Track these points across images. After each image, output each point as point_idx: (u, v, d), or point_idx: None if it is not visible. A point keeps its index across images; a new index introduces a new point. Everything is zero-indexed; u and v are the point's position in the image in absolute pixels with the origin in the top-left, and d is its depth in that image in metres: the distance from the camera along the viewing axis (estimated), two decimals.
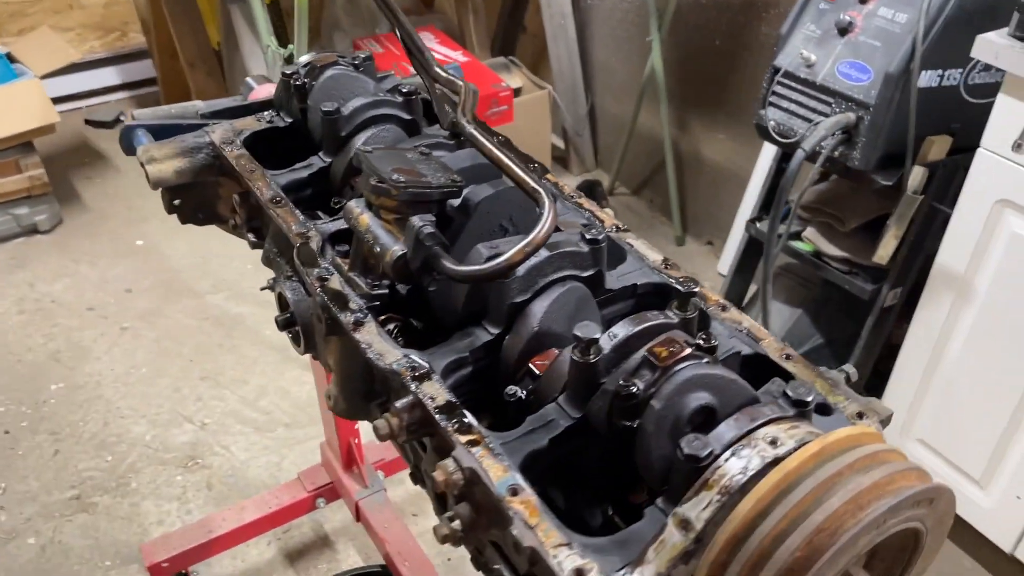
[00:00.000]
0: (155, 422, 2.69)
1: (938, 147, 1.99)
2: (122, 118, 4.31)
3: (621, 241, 1.17)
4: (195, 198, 1.46)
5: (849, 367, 0.97)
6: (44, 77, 3.44)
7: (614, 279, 1.10)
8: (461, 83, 1.17)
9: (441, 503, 1.03)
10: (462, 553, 2.33)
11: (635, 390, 0.82)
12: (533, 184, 1.00)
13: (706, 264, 3.46)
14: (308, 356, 2.89)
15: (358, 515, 2.13)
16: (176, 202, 1.45)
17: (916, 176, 1.96)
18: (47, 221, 3.54)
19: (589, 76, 3.91)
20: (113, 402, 2.76)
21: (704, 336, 0.86)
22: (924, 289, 2.09)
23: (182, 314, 3.14)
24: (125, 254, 3.46)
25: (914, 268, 2.19)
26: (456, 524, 0.90)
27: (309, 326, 1.20)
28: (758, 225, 2.44)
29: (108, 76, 4.45)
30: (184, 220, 1.49)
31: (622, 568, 0.76)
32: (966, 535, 2.20)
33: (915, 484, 0.72)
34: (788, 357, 0.98)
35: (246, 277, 3.33)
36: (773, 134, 2.08)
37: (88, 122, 4.31)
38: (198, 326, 3.09)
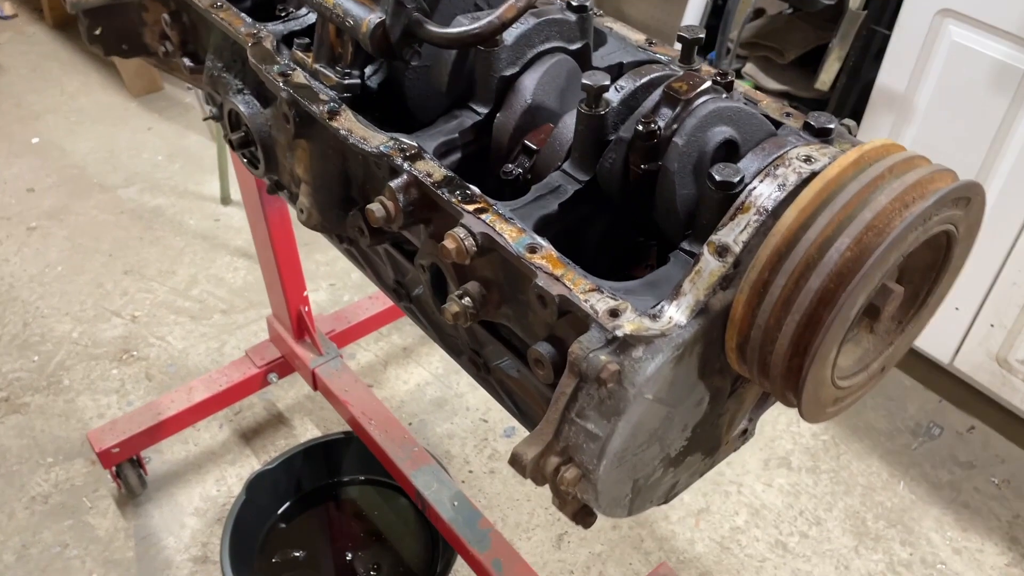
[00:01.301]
0: (80, 319, 2.54)
1: None
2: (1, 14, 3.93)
3: (600, 24, 1.11)
4: (118, 25, 1.32)
5: (849, 120, 0.94)
6: None
7: (599, 59, 1.05)
8: None
9: (440, 293, 0.98)
10: (423, 417, 2.32)
11: (656, 128, 0.78)
12: None
13: None
14: (239, 241, 2.76)
15: (315, 384, 2.07)
16: (97, 31, 1.31)
17: None
18: None
19: None
20: (30, 302, 2.58)
21: (720, 73, 0.82)
22: (864, 114, 2.11)
23: (95, 210, 2.94)
24: (20, 153, 3.20)
25: (852, 96, 2.21)
26: (466, 301, 0.86)
27: (268, 140, 1.11)
28: None
29: None
30: (107, 52, 1.34)
31: (657, 304, 0.73)
32: (905, 355, 2.30)
33: (952, 182, 0.70)
34: (789, 115, 0.95)
35: (159, 168, 3.13)
36: None
37: None
38: (114, 221, 2.90)
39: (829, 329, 0.67)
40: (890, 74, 2.00)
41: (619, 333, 0.70)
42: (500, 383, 1.05)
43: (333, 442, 2.06)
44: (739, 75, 2.33)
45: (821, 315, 0.68)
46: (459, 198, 0.84)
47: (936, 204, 0.67)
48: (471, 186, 0.86)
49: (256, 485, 1.94)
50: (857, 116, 2.16)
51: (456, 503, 1.77)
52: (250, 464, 2.18)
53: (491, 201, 0.84)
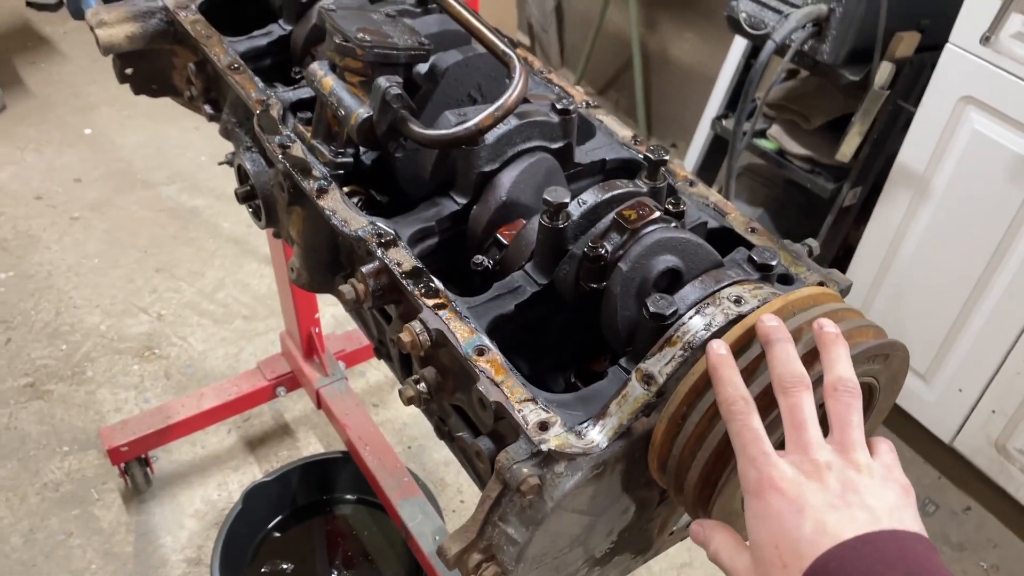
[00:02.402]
0: (109, 312, 2.65)
1: (906, 43, 1.98)
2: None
3: (591, 117, 1.15)
4: (149, 67, 1.40)
5: (812, 241, 0.98)
6: None
7: (583, 154, 1.09)
8: None
9: (406, 369, 1.04)
10: (423, 441, 2.38)
11: (603, 252, 0.82)
12: (504, 48, 0.97)
13: None
14: (268, 248, 2.83)
15: (319, 402, 2.14)
16: (128, 71, 1.39)
17: (883, 72, 1.96)
18: None
19: None
20: (65, 292, 2.71)
21: (673, 201, 0.86)
22: (884, 188, 2.11)
23: (135, 205, 3.07)
24: (73, 143, 3.34)
25: (875, 168, 2.21)
26: (422, 386, 0.91)
27: (270, 198, 1.18)
28: (724, 123, 2.43)
29: None
30: (137, 91, 1.42)
31: (585, 421, 0.77)
32: (908, 428, 2.30)
33: (871, 340, 0.73)
34: (753, 230, 0.98)
35: (202, 169, 3.24)
36: (744, 26, 2.04)
37: (30, 4, 4.09)
38: (152, 218, 3.02)
39: (735, 468, 0.71)
40: (911, 153, 2.01)
41: (544, 447, 0.75)
42: (462, 451, 1.10)
43: (331, 460, 2.13)
44: (764, 135, 2.35)
45: (729, 455, 0.72)
46: (422, 291, 0.90)
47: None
48: (435, 280, 0.91)
49: (253, 496, 2.01)
50: (877, 188, 2.17)
51: (438, 537, 1.82)
52: (252, 472, 2.27)
53: (451, 297, 0.89)
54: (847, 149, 2.09)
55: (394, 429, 2.40)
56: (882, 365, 0.75)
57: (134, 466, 2.12)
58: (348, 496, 2.17)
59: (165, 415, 2.12)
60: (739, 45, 2.71)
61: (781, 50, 1.99)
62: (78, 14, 1.32)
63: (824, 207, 2.33)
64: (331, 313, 2.67)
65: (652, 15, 3.43)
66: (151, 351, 2.55)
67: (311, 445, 2.35)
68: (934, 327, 2.09)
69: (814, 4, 1.93)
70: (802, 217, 2.51)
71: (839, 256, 2.42)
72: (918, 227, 2.07)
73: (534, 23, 3.86)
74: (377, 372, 2.56)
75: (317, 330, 2.12)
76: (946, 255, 2.02)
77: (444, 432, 1.11)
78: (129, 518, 2.13)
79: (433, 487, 2.21)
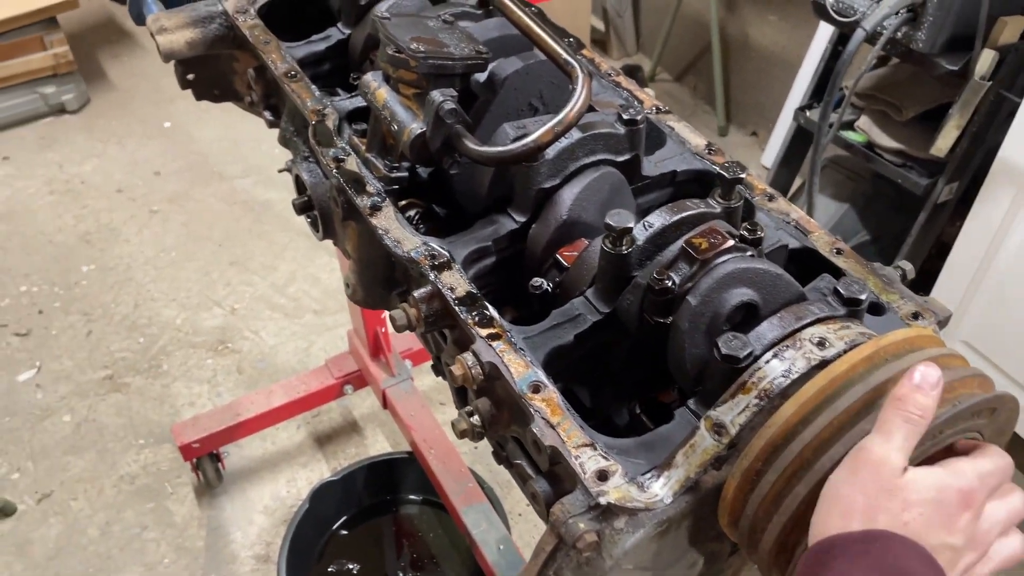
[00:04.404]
0: (185, 306, 2.69)
1: (1011, 29, 1.82)
2: None
3: (661, 124, 1.08)
4: (210, 72, 1.38)
5: (905, 263, 0.89)
6: None
7: (652, 165, 1.02)
8: None
9: (461, 396, 0.99)
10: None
11: (670, 284, 0.75)
12: (566, 56, 0.91)
13: (749, 156, 3.32)
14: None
15: (385, 402, 2.13)
16: (190, 76, 1.37)
17: (985, 60, 1.81)
18: (75, 100, 3.47)
19: None
20: (144, 285, 2.76)
21: (749, 227, 0.78)
22: (983, 184, 1.96)
23: (211, 198, 3.11)
24: (153, 135, 3.40)
25: (974, 162, 2.06)
26: (475, 419, 0.87)
27: (327, 210, 1.14)
28: (808, 113, 2.30)
29: None
30: (199, 96, 1.41)
31: (648, 471, 0.71)
32: (1013, 446, 2.14)
33: (976, 392, 0.65)
34: (839, 252, 0.90)
35: (276, 162, 3.25)
36: (831, 12, 1.91)
37: None
38: (227, 211, 3.05)
39: None
40: (1015, 146, 1.85)
41: (602, 501, 0.69)
42: (520, 478, 1.05)
43: (397, 460, 2.11)
44: (851, 127, 2.21)
45: (810, 519, 0.64)
46: (475, 319, 0.84)
47: (948, 420, 0.62)
48: (489, 307, 0.85)
49: (320, 495, 2.01)
50: (975, 186, 2.01)
51: (502, 547, 1.78)
52: (320, 469, 2.27)
53: (506, 327, 0.83)
54: (943, 143, 1.94)
55: None
56: (988, 419, 0.67)
57: (205, 462, 2.14)
58: (413, 496, 2.15)
59: (235, 412, 2.13)
60: (825, 30, 2.56)
61: (871, 38, 1.86)
62: (139, 19, 1.31)
63: (916, 203, 2.18)
64: None
65: None
66: (224, 345, 2.58)
67: (379, 443, 2.34)
68: None
69: None
70: (892, 212, 2.36)
71: (931, 255, 2.27)
72: (1021, 226, 1.92)
73: (609, 8, 3.75)
74: None
75: (383, 329, 2.10)
76: None
77: (503, 457, 1.06)
78: (201, 513, 2.16)
79: (499, 489, 2.17)
